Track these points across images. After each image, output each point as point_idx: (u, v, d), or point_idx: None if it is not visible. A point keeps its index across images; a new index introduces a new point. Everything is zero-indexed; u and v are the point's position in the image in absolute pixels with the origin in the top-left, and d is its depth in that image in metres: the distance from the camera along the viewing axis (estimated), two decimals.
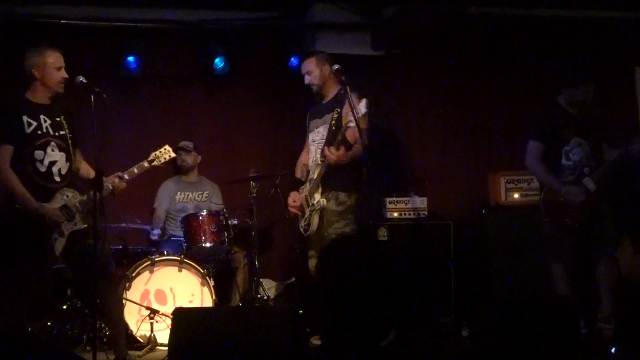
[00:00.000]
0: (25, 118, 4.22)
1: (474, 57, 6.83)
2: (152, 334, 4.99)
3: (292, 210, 5.16)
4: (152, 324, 5.01)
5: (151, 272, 5.24)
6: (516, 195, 5.97)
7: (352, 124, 4.61)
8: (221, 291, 5.48)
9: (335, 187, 4.95)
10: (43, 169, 4.24)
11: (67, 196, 4.27)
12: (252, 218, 5.89)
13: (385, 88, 6.64)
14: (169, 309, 5.02)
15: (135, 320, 5.10)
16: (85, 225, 4.26)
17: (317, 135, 5.14)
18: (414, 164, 6.77)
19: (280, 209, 5.72)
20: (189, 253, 5.42)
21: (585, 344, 4.55)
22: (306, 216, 5.04)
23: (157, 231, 5.93)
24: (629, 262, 5.12)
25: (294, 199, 5.14)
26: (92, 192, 4.04)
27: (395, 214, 5.97)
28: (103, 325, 4.97)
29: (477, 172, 6.71)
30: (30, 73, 4.28)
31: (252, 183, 5.90)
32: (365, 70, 6.39)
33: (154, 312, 5.04)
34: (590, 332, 4.82)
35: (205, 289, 5.27)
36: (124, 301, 4.95)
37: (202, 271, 5.28)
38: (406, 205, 6.00)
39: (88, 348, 4.90)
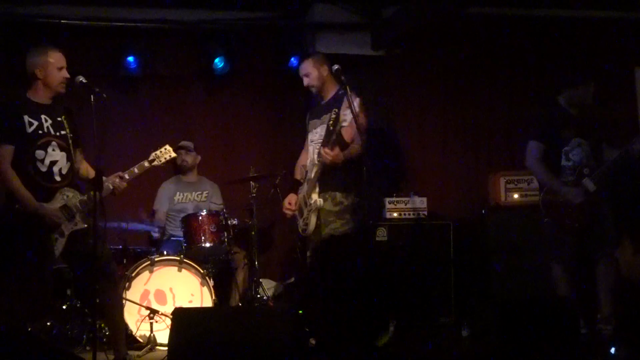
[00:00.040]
0: (26, 118, 4.21)
1: (474, 57, 6.84)
2: (152, 334, 4.99)
3: (287, 212, 5.15)
4: (151, 324, 5.00)
5: (151, 272, 5.23)
6: (516, 196, 5.97)
7: (346, 123, 4.60)
8: (221, 291, 5.48)
9: (332, 187, 4.93)
10: (44, 169, 4.23)
11: (68, 196, 4.27)
12: (252, 218, 5.90)
13: (385, 88, 6.64)
14: (168, 309, 5.02)
15: (135, 320, 5.09)
16: (86, 225, 4.26)
17: (316, 135, 5.13)
18: (414, 164, 6.78)
19: (280, 209, 5.71)
20: (189, 253, 5.42)
21: (585, 344, 4.55)
22: (304, 216, 5.03)
23: (157, 229, 5.94)
24: (629, 262, 5.13)
25: (290, 201, 5.13)
26: (92, 192, 4.04)
27: (395, 214, 5.97)
28: (103, 325, 4.96)
29: (477, 172, 6.71)
30: (32, 73, 4.27)
31: (252, 183, 5.91)
32: (365, 71, 6.40)
33: (153, 312, 5.03)
34: (590, 332, 4.81)
35: (205, 289, 5.27)
36: (123, 301, 4.94)
37: (201, 271, 5.28)
38: (406, 205, 5.99)
39: (88, 348, 4.91)
